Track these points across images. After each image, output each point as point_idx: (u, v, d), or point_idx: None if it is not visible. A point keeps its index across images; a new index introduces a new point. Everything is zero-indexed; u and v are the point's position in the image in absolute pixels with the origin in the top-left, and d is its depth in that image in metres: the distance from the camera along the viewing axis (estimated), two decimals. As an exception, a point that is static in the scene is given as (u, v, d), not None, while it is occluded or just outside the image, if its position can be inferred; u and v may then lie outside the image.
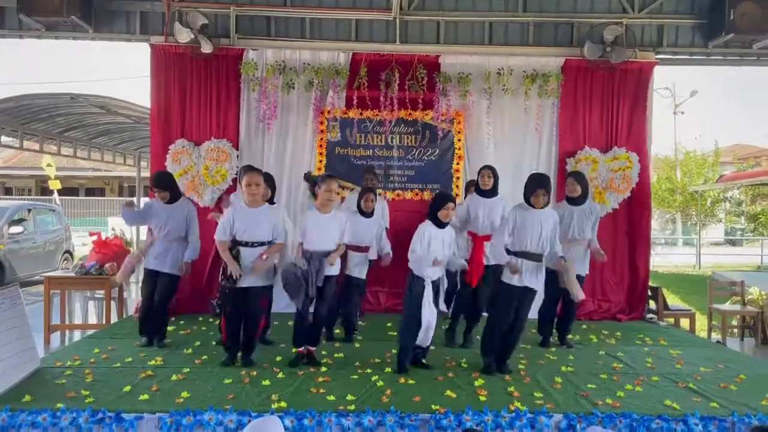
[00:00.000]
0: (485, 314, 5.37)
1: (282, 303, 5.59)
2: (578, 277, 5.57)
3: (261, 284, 4.90)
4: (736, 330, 7.86)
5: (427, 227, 4.83)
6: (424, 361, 4.98)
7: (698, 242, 19.73)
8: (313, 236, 4.88)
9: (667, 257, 18.69)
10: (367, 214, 5.80)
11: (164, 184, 5.56)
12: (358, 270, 5.78)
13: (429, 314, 4.77)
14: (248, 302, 4.86)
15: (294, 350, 5.00)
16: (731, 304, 7.82)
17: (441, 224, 4.83)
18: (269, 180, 5.41)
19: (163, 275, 5.51)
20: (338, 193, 5.03)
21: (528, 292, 4.86)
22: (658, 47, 7.69)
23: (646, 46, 7.66)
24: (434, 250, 4.76)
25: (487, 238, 5.69)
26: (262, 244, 4.84)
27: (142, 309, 5.67)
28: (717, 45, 7.65)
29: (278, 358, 5.09)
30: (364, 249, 5.71)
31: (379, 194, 6.36)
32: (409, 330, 4.80)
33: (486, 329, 5.00)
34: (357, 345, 5.73)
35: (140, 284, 6.66)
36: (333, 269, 4.99)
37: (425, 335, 4.82)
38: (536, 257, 4.83)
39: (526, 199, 4.86)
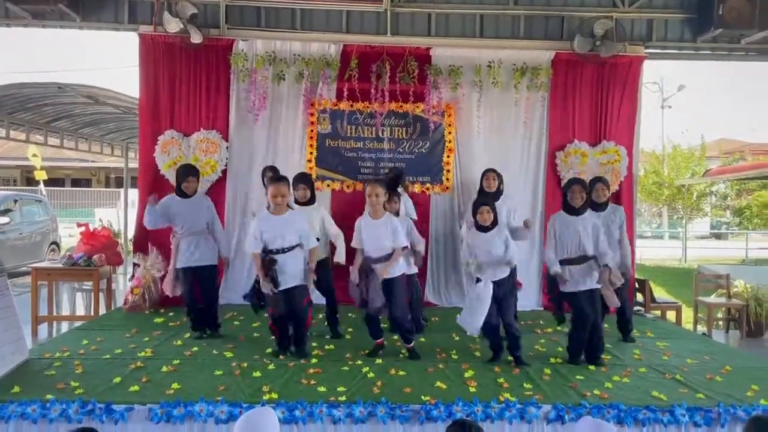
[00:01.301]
0: None
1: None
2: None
3: (300, 284, 4.94)
4: (721, 322, 7.96)
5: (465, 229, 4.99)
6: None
7: (684, 236, 19.93)
8: (367, 243, 4.94)
9: (653, 250, 18.83)
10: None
11: (193, 171, 5.63)
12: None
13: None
14: (292, 303, 4.90)
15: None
16: (717, 297, 7.93)
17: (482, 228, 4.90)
18: (307, 180, 5.64)
19: (201, 269, 5.53)
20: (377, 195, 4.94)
21: (585, 294, 4.93)
22: (647, 41, 7.74)
23: (636, 40, 7.69)
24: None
25: None
26: (292, 248, 4.90)
27: (187, 308, 5.63)
28: (705, 40, 7.70)
29: (268, 350, 5.09)
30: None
31: (401, 191, 6.13)
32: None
33: (569, 337, 5.13)
34: (348, 337, 5.75)
35: (144, 272, 6.66)
36: (397, 270, 4.99)
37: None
38: (578, 261, 4.91)
39: (564, 201, 5.03)
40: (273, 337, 5.16)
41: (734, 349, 6.39)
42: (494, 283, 4.82)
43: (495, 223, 4.90)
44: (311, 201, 5.65)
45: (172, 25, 6.90)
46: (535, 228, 7.23)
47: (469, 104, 7.44)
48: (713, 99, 70.87)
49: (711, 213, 27.73)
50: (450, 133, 7.51)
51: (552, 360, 5.03)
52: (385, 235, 4.93)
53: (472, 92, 7.41)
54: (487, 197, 5.29)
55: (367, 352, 5.11)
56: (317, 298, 5.56)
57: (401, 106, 7.38)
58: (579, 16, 7.56)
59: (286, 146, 7.39)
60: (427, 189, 7.44)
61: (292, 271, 4.89)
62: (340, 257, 5.60)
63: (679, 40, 7.85)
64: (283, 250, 4.87)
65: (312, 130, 7.42)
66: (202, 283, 5.58)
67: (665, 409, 3.91)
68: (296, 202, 5.54)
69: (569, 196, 5.01)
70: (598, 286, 4.95)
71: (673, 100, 35.13)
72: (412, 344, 5.06)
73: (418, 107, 7.40)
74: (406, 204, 6.14)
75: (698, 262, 14.03)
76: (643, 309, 7.41)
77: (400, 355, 5.06)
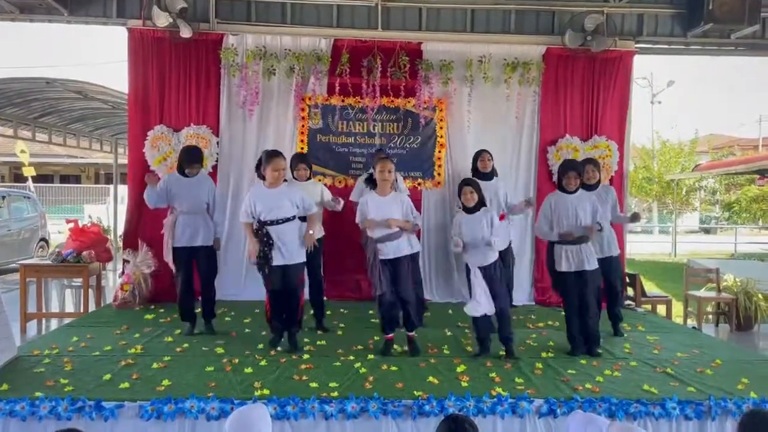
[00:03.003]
0: None
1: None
2: (612, 258, 5.80)
3: (296, 261, 4.93)
4: (711, 316, 8.01)
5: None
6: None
7: (674, 230, 20.04)
8: (374, 217, 4.87)
9: (643, 245, 18.92)
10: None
11: (199, 158, 5.63)
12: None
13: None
14: (287, 279, 4.88)
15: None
16: (706, 291, 7.96)
17: (467, 210, 4.94)
18: (305, 160, 5.87)
19: (200, 249, 5.47)
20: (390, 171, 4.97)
21: (583, 275, 4.99)
22: (637, 36, 7.75)
23: (626, 35, 7.70)
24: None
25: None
26: (287, 219, 4.87)
27: (181, 292, 5.51)
28: (695, 35, 7.72)
29: (260, 346, 5.07)
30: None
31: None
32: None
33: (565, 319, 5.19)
34: (339, 332, 5.73)
35: (134, 269, 6.59)
36: (400, 250, 4.90)
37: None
38: (577, 240, 4.96)
39: (559, 184, 5.12)
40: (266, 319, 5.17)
41: (724, 343, 6.44)
42: (481, 268, 4.83)
43: (481, 204, 4.92)
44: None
45: (162, 20, 6.84)
46: (527, 221, 7.26)
47: (461, 99, 7.42)
48: (702, 95, 71.33)
49: (700, 208, 27.92)
50: (441, 128, 7.49)
51: (543, 354, 5.04)
52: (396, 211, 4.87)
53: (463, 87, 7.39)
54: (471, 179, 5.22)
55: (381, 348, 5.02)
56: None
57: (392, 101, 7.35)
58: (570, 11, 7.55)
59: (276, 141, 7.33)
60: (419, 184, 7.43)
61: (289, 246, 4.85)
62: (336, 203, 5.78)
63: (670, 35, 7.86)
64: (278, 221, 4.83)
65: (303, 126, 7.38)
66: (199, 263, 5.52)
67: (656, 403, 3.92)
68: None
69: (564, 182, 5.08)
70: (592, 267, 5.01)
71: (663, 95, 35.29)
72: (414, 332, 5.00)
73: (409, 102, 7.38)
74: (400, 185, 6.27)
75: (688, 257, 14.12)
76: (633, 303, 7.44)
77: (358, 347, 5.08)
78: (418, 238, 6.48)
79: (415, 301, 5.07)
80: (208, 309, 5.62)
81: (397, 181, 5.79)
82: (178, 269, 5.50)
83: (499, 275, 4.92)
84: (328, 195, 5.78)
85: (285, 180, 5.02)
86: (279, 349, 4.99)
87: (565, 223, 5.02)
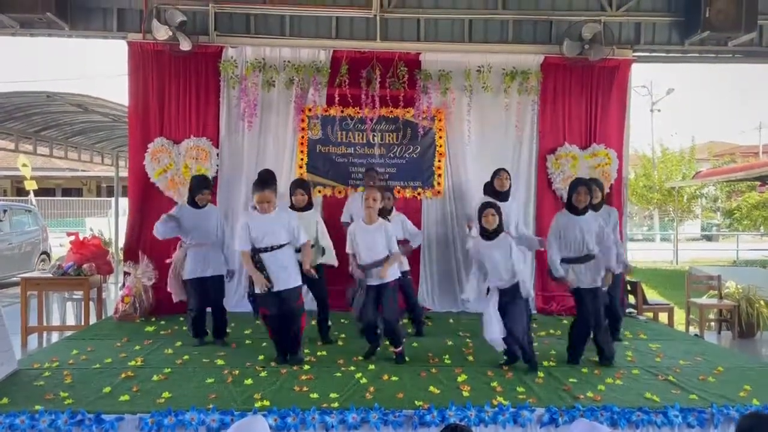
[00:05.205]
0: None
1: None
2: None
3: (292, 285, 4.91)
4: (713, 323, 7.99)
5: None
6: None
7: (675, 238, 20.01)
8: (361, 248, 4.94)
9: (645, 253, 18.89)
10: (388, 210, 5.78)
11: (208, 185, 5.63)
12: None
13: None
14: (285, 304, 4.86)
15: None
16: (708, 298, 7.95)
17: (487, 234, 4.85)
18: (304, 185, 5.67)
19: (209, 279, 5.50)
20: (375, 200, 5.00)
21: (588, 293, 4.95)
22: (635, 45, 7.78)
23: (624, 43, 7.74)
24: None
25: None
26: (281, 246, 4.85)
27: (192, 315, 5.58)
28: (693, 42, 7.76)
29: (260, 357, 5.06)
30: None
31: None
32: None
33: (570, 335, 5.16)
34: (340, 343, 5.72)
35: (135, 281, 6.61)
36: (391, 275, 4.97)
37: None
38: (580, 260, 4.93)
39: (569, 202, 5.03)
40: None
41: (726, 350, 6.40)
42: (500, 290, 4.77)
43: (500, 228, 4.83)
44: (308, 206, 5.65)
45: (161, 33, 6.89)
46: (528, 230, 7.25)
47: (460, 109, 7.45)
48: (702, 102, 71.41)
49: (701, 215, 27.87)
50: (441, 137, 7.52)
51: (545, 363, 5.01)
52: (380, 241, 4.95)
53: (462, 97, 7.42)
54: (494, 202, 5.12)
55: (361, 358, 5.08)
56: (309, 303, 5.52)
57: (392, 112, 7.38)
58: (567, 20, 7.60)
59: (276, 152, 7.37)
60: (419, 194, 7.44)
61: (284, 272, 4.84)
62: (330, 258, 5.64)
63: (667, 43, 7.89)
64: (272, 248, 4.81)
65: (303, 136, 7.41)
66: (210, 291, 5.54)
67: (658, 411, 3.90)
68: (293, 207, 5.51)
69: (575, 198, 4.99)
70: (595, 285, 4.96)
71: (662, 103, 35.37)
72: (400, 348, 5.05)
73: (408, 112, 7.41)
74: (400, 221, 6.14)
75: (689, 264, 14.09)
76: (635, 311, 7.41)
77: (359, 358, 5.08)
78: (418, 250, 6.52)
79: (396, 323, 5.10)
80: (221, 330, 5.66)
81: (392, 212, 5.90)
82: (190, 298, 5.57)
83: (516, 299, 4.78)
84: (323, 230, 5.65)
85: (276, 207, 4.97)
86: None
87: (572, 244, 4.96)
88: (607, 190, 7.47)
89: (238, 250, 4.97)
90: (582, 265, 4.96)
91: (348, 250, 5.07)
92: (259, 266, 4.79)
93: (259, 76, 7.24)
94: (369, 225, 4.98)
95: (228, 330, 5.76)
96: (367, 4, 7.38)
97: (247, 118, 7.19)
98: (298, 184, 5.69)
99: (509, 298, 4.76)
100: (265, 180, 5.07)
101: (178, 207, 5.68)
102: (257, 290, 4.85)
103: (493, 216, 4.79)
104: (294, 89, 7.29)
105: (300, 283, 5.00)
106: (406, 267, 5.78)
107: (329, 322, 5.84)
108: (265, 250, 4.81)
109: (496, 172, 6.26)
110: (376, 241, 4.95)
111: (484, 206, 4.89)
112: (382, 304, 4.95)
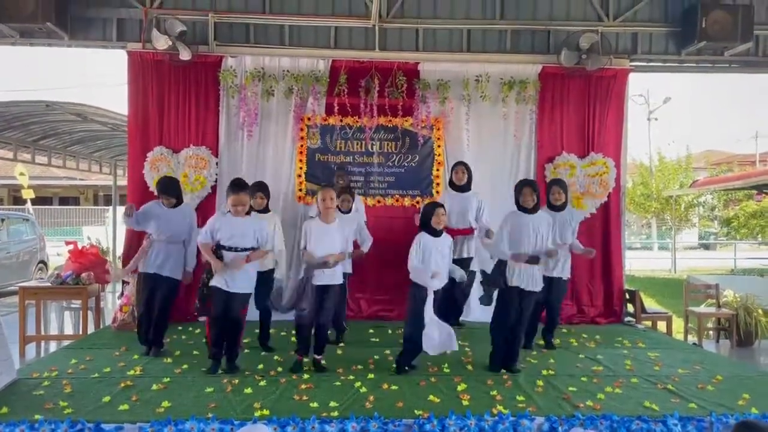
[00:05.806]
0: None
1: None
2: (560, 280, 5.90)
3: (245, 291, 4.94)
4: (711, 332, 7.99)
5: (422, 237, 4.88)
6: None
7: (673, 246, 20.04)
8: (314, 246, 4.93)
9: (643, 261, 18.91)
10: (344, 212, 5.88)
11: (173, 191, 5.50)
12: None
13: (430, 321, 4.76)
14: (231, 307, 4.87)
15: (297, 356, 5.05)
16: (707, 307, 7.96)
17: (436, 233, 4.88)
18: (264, 188, 5.74)
19: (164, 279, 5.43)
20: (332, 199, 5.03)
21: (528, 295, 5.02)
22: (632, 54, 7.83)
23: (621, 53, 7.78)
24: (433, 260, 4.80)
25: (462, 232, 6.35)
26: (245, 250, 4.88)
27: (139, 316, 5.57)
28: (690, 52, 7.81)
29: (260, 366, 5.05)
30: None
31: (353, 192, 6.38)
32: (412, 337, 4.85)
33: (491, 328, 5.18)
34: (339, 351, 5.71)
35: (133, 290, 6.57)
36: (334, 278, 4.99)
37: (429, 342, 4.77)
38: (530, 261, 4.97)
39: (517, 203, 5.12)
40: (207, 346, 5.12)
41: (725, 359, 6.41)
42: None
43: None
44: (267, 210, 5.75)
45: (161, 43, 6.91)
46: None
47: (458, 118, 7.48)
48: (699, 111, 71.75)
49: (699, 224, 27.91)
50: (439, 146, 7.54)
51: (544, 372, 5.03)
52: (337, 239, 5.00)
53: (460, 106, 7.46)
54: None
55: (360, 367, 5.07)
56: (251, 314, 5.47)
57: (390, 121, 7.41)
58: (565, 30, 7.65)
59: (275, 161, 7.39)
60: (417, 202, 7.45)
61: (243, 274, 4.86)
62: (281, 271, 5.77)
63: (664, 52, 7.95)
64: (236, 249, 4.84)
65: (302, 145, 7.43)
66: (159, 292, 5.44)
67: (658, 420, 3.91)
68: (252, 209, 5.42)
69: (522, 200, 5.09)
70: (536, 289, 5.06)
71: (659, 112, 35.50)
72: (322, 356, 5.05)
73: (407, 121, 7.44)
74: (358, 205, 6.41)
75: (687, 273, 14.13)
76: (634, 319, 7.42)
77: (358, 367, 5.07)
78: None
79: (327, 329, 5.17)
80: (157, 334, 5.52)
81: (356, 205, 6.17)
82: (140, 292, 5.57)
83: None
84: (280, 235, 5.72)
85: (248, 213, 4.99)
86: (220, 372, 4.89)
87: (525, 242, 4.99)
88: (604, 198, 7.52)
89: (199, 242, 4.99)
90: (533, 267, 5.00)
91: (301, 246, 5.05)
92: (220, 259, 4.83)
93: (258, 85, 7.26)
94: (327, 224, 4.99)
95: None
96: (366, 14, 7.43)
97: (247, 128, 7.21)
98: (259, 188, 5.73)
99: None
100: (240, 184, 5.09)
101: (148, 204, 5.65)
102: (213, 282, 4.83)
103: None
104: (293, 98, 7.32)
105: (250, 291, 5.03)
106: (349, 270, 5.87)
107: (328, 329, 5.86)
108: (229, 249, 4.85)
109: (453, 166, 6.71)
110: (334, 239, 4.97)
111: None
112: (322, 305, 4.94)
